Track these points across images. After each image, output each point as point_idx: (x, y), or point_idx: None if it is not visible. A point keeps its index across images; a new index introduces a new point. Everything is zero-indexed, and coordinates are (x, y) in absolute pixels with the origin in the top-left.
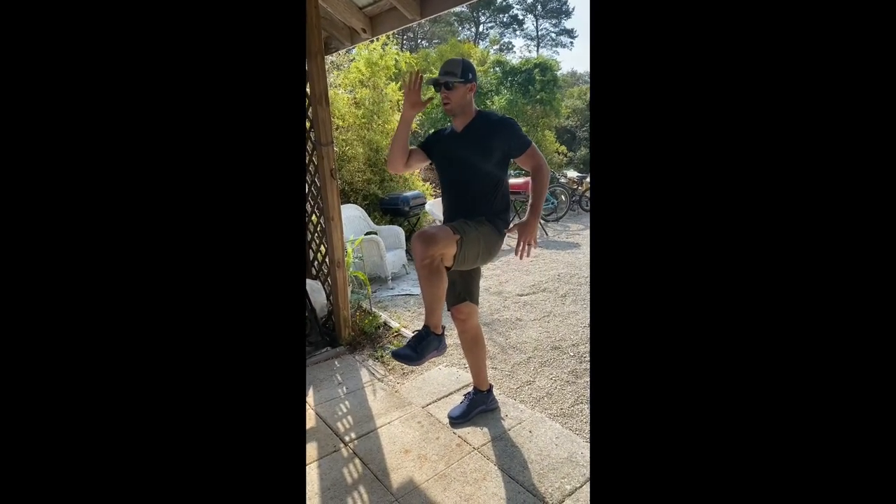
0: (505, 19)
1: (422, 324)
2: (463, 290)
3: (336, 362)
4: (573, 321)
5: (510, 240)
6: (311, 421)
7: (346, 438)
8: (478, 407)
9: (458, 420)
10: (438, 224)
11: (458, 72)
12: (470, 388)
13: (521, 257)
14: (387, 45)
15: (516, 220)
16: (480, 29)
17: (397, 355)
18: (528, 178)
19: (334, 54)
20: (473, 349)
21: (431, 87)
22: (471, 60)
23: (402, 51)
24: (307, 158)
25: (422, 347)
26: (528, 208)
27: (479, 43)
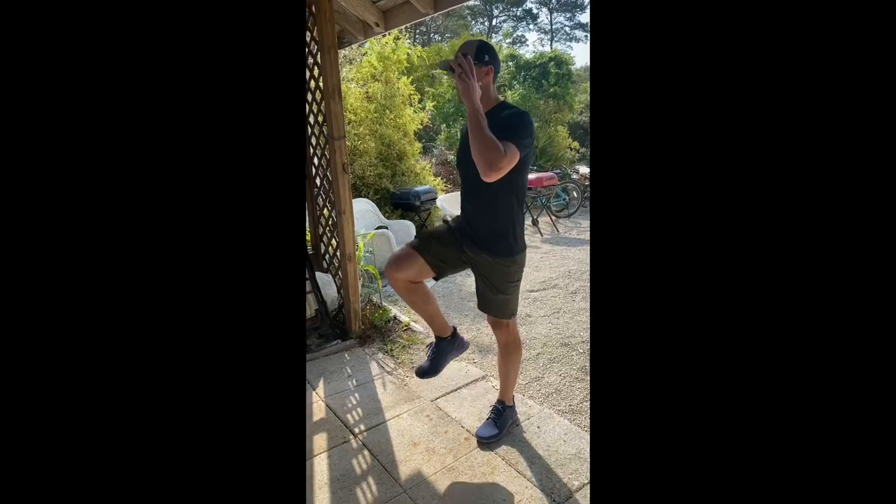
0: (518, 13)
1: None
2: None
3: (346, 355)
4: (583, 318)
5: (526, 235)
6: (321, 412)
7: (356, 430)
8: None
9: (489, 440)
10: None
11: (473, 53)
12: (483, 388)
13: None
14: (398, 38)
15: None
16: (494, 23)
17: (419, 372)
18: (540, 174)
19: (347, 48)
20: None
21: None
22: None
23: (413, 45)
24: (320, 152)
25: (438, 358)
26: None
27: (492, 37)
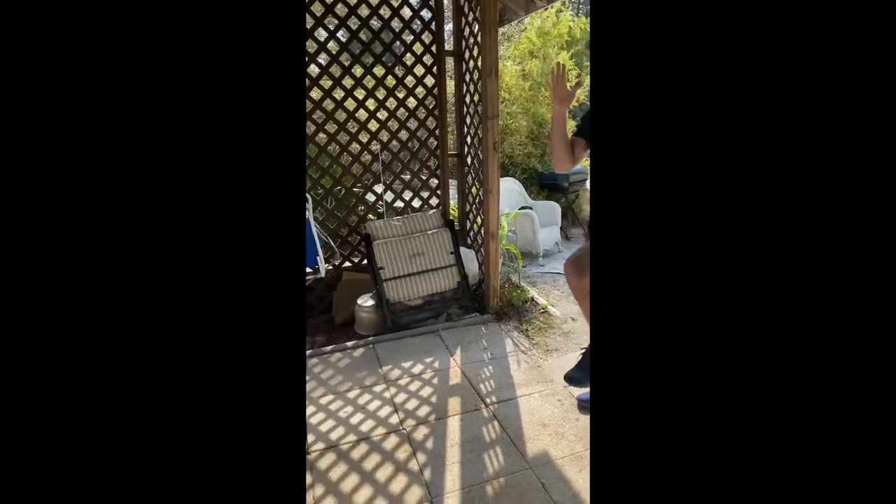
0: None
1: (570, 306)
2: None
3: (483, 328)
4: None
5: None
6: (456, 378)
7: (487, 400)
8: None
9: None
10: (585, 245)
11: None
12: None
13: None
14: (560, 11)
15: None
16: None
17: (569, 379)
18: None
19: (506, 25)
20: None
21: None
22: None
23: (577, 16)
24: (473, 131)
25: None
26: None
27: None
